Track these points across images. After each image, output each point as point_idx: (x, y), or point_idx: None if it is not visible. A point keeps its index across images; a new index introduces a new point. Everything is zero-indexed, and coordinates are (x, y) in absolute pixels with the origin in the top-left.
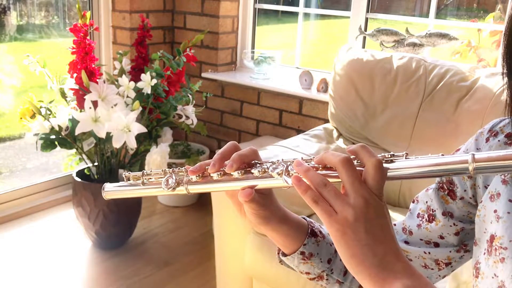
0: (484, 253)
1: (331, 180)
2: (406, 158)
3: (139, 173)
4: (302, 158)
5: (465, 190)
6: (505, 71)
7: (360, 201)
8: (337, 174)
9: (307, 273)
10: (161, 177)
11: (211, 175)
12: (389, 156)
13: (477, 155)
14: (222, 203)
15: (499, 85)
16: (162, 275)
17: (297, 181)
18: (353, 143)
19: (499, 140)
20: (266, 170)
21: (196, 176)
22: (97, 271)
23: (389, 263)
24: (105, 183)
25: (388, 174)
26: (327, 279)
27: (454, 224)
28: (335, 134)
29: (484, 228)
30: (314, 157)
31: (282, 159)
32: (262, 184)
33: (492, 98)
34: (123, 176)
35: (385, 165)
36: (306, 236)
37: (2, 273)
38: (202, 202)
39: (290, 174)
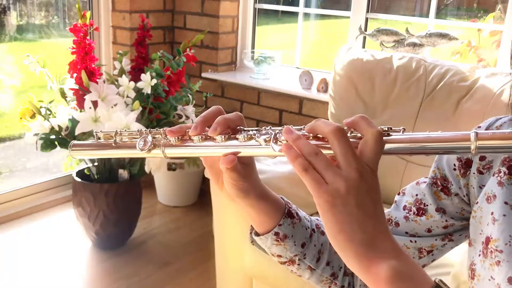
0: (480, 255)
1: (323, 151)
2: (403, 133)
3: (111, 132)
4: (291, 126)
5: (459, 188)
6: None
7: (354, 174)
8: (329, 146)
9: (279, 256)
10: (136, 138)
11: (192, 138)
12: (386, 129)
13: (480, 133)
14: (222, 203)
15: (499, 85)
16: (162, 275)
17: (287, 148)
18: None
19: None
20: (253, 136)
21: (175, 139)
22: (97, 271)
23: (378, 242)
24: (73, 141)
25: (385, 147)
26: (298, 264)
27: (445, 221)
28: None
29: (480, 229)
30: (304, 127)
31: (270, 127)
32: (246, 151)
33: (492, 98)
34: (94, 134)
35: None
36: (282, 216)
37: (2, 273)
38: (202, 202)
39: (278, 142)
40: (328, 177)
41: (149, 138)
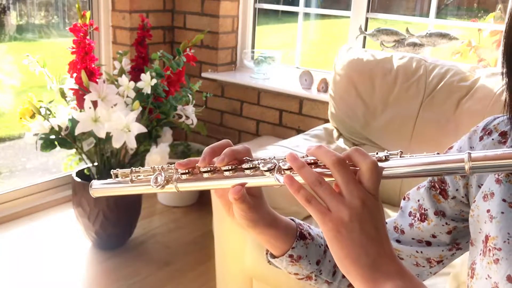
0: (480, 254)
1: (325, 178)
2: (400, 157)
3: (127, 170)
4: (294, 152)
5: (457, 189)
6: (504, 70)
7: (356, 202)
8: (331, 173)
9: (296, 274)
10: (150, 175)
11: (201, 169)
12: (383, 157)
13: (473, 154)
14: None
15: (500, 85)
16: (162, 275)
17: (289, 180)
18: (354, 143)
19: (493, 139)
20: (257, 166)
21: (186, 174)
22: (97, 271)
23: (382, 264)
24: (93, 180)
25: (384, 173)
26: (315, 280)
27: (446, 224)
28: (335, 134)
29: (479, 228)
30: (307, 150)
31: (274, 157)
32: (252, 182)
33: (493, 98)
34: (111, 173)
35: (380, 164)
36: (295, 240)
37: (2, 273)
38: (202, 202)
39: (282, 173)
40: (332, 206)
41: (162, 174)
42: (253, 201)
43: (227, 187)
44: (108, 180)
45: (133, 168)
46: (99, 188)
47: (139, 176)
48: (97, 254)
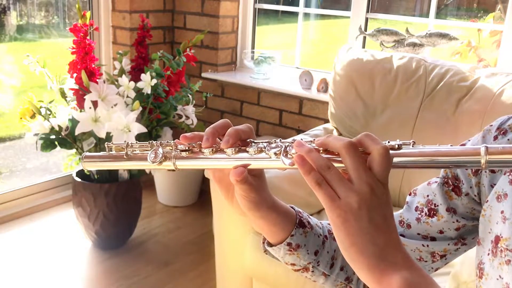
0: (488, 254)
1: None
2: (413, 147)
3: (123, 144)
4: (301, 139)
5: (470, 187)
6: None
7: (365, 188)
8: (340, 159)
9: (293, 264)
10: (147, 150)
11: (203, 150)
12: (396, 145)
13: (490, 148)
14: (222, 203)
15: (500, 85)
16: (162, 275)
17: (301, 160)
18: None
19: (508, 139)
20: (263, 149)
21: (186, 152)
22: (97, 271)
23: (389, 254)
24: (85, 152)
25: (394, 161)
26: (312, 271)
27: (456, 221)
28: (335, 134)
29: (489, 228)
30: (315, 140)
31: (280, 139)
32: (256, 164)
33: (492, 98)
34: (105, 145)
35: (391, 152)
36: (294, 227)
37: (2, 273)
38: (202, 202)
39: (288, 156)
40: (340, 192)
41: (160, 150)
42: (255, 181)
43: (229, 167)
44: (102, 153)
45: (128, 142)
46: (91, 161)
47: (135, 151)
48: (97, 254)
